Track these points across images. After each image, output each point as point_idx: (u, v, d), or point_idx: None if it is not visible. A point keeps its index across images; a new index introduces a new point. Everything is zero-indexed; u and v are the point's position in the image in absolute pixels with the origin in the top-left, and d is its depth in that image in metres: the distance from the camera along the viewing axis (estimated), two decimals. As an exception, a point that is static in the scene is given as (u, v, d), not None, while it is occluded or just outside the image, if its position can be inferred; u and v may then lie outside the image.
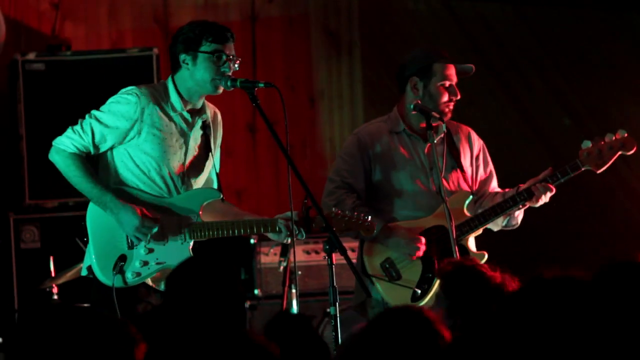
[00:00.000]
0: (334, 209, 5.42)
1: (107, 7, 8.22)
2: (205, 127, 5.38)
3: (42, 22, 8.00)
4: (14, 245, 7.36)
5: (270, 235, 5.36)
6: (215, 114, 5.49)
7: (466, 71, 5.94)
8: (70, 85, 7.47)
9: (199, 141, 5.37)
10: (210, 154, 5.39)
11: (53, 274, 6.58)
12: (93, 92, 7.37)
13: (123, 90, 5.29)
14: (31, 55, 7.51)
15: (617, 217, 9.08)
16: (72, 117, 7.23)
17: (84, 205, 5.21)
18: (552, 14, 9.24)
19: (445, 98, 5.82)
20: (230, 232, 5.28)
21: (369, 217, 5.43)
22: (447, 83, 5.83)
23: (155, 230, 5.16)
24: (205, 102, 5.41)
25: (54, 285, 6.55)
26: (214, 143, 5.43)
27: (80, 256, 5.90)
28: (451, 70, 5.86)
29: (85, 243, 5.22)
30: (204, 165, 5.40)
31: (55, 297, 6.54)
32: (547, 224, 7.53)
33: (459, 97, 5.86)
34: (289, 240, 5.28)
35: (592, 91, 9.17)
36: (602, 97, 9.11)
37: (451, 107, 5.85)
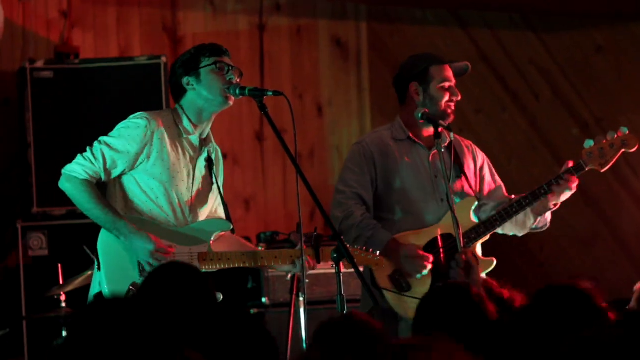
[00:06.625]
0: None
1: (115, 15, 8.23)
2: (209, 159, 5.37)
3: (50, 30, 8.01)
4: (22, 253, 7.36)
5: (284, 268, 5.35)
6: (217, 151, 5.47)
7: (463, 70, 5.94)
8: (78, 93, 7.46)
9: (203, 172, 5.34)
10: (213, 186, 5.37)
11: (61, 282, 6.57)
12: (101, 100, 7.37)
13: (132, 115, 5.24)
14: (39, 63, 7.51)
15: (625, 225, 9.06)
16: (80, 125, 7.28)
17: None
18: (559, 24, 9.24)
19: (447, 99, 5.81)
20: (241, 263, 5.26)
21: (378, 252, 5.42)
22: (447, 84, 5.82)
23: (169, 257, 5.14)
24: (211, 134, 5.40)
25: (62, 293, 6.54)
26: (218, 177, 5.41)
27: (88, 264, 5.89)
28: (448, 72, 5.86)
29: (97, 265, 5.19)
30: (208, 196, 5.36)
31: (64, 304, 6.54)
32: (556, 232, 7.52)
33: (459, 97, 5.85)
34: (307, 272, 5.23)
35: (600, 100, 9.17)
36: (609, 106, 9.11)
37: (453, 107, 5.84)
